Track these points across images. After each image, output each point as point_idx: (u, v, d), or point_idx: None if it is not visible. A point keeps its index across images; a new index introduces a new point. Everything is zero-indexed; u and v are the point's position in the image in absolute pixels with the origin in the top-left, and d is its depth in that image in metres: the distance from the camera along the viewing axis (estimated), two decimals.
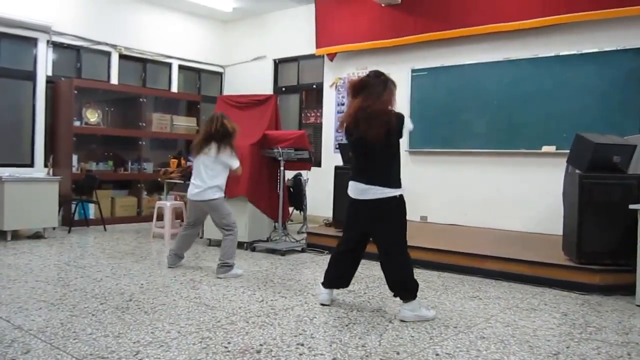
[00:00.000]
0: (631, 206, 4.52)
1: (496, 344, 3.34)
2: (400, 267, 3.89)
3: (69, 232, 7.59)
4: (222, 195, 5.21)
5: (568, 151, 5.36)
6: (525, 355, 3.15)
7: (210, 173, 5.11)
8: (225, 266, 5.07)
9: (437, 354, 3.14)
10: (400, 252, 3.90)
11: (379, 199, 3.80)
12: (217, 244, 6.73)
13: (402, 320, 3.78)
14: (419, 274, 5.31)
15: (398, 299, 3.93)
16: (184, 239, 5.45)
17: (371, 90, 3.81)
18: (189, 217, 5.43)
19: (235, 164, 5.21)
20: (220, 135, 5.11)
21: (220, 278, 4.99)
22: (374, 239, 4.00)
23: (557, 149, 6.82)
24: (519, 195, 7.19)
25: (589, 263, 4.84)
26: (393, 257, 3.90)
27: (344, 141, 7.48)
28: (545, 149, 6.95)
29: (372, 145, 3.79)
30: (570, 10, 6.63)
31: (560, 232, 5.41)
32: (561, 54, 6.92)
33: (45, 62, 8.43)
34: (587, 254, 4.85)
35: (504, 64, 7.37)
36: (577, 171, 5.03)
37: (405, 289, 3.86)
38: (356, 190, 3.90)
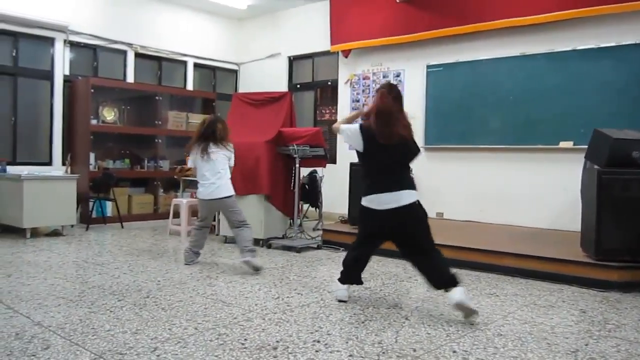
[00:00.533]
0: None
1: (514, 341, 3.31)
2: (442, 256, 3.94)
3: (87, 229, 7.67)
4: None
5: (586, 147, 5.31)
6: (543, 353, 3.12)
7: (222, 168, 5.29)
8: (252, 250, 5.19)
9: (454, 351, 3.12)
10: (434, 244, 3.98)
11: (411, 204, 3.88)
12: (233, 240, 6.76)
13: (458, 304, 3.65)
14: None
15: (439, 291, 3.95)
16: (199, 235, 5.50)
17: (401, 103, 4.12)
18: (201, 214, 5.51)
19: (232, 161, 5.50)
20: (211, 135, 5.31)
21: (247, 260, 5.09)
22: (406, 242, 4.01)
23: (574, 144, 6.75)
24: (536, 191, 7.13)
25: (607, 260, 4.78)
26: (433, 252, 3.94)
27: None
28: (562, 144, 6.89)
29: (408, 154, 4.03)
30: (588, 4, 6.54)
31: (579, 229, 5.36)
32: (578, 48, 6.84)
33: (62, 62, 8.52)
34: (606, 251, 4.79)
35: (520, 58, 7.30)
36: (596, 167, 4.97)
37: (452, 273, 3.82)
38: (388, 199, 3.89)
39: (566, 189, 6.64)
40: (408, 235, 3.96)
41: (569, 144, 6.82)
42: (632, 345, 3.31)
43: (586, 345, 3.29)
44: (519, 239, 6.16)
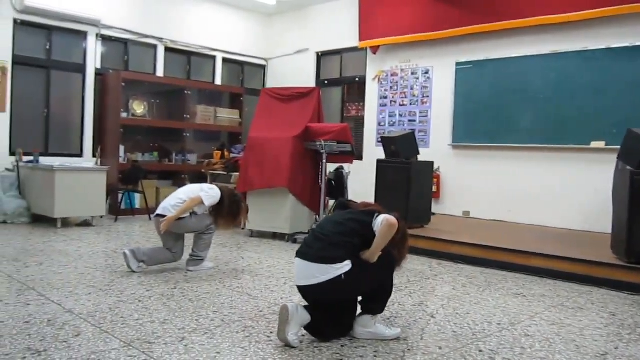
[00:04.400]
0: None
1: (541, 342, 3.28)
2: None
3: (116, 220, 7.79)
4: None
5: (618, 147, 5.22)
6: (571, 355, 3.08)
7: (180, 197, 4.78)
8: (197, 259, 4.90)
9: (480, 350, 3.10)
10: None
11: None
12: (258, 234, 6.82)
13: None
14: (462, 270, 5.29)
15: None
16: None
17: None
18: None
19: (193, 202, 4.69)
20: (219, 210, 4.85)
21: (191, 271, 4.82)
22: None
23: (606, 144, 6.63)
24: (566, 191, 7.02)
25: (638, 262, 4.69)
26: None
27: (387, 135, 7.44)
28: (594, 144, 6.77)
29: None
30: (623, 2, 6.42)
31: (609, 231, 5.27)
32: (612, 46, 6.71)
33: (94, 55, 8.66)
34: (637, 253, 4.70)
35: (552, 57, 7.19)
36: (628, 168, 4.88)
37: None
38: None
39: (597, 190, 6.53)
40: None
41: (600, 144, 6.70)
42: None
43: (616, 348, 3.24)
44: (547, 240, 6.08)
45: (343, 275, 3.00)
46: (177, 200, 4.74)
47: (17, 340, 2.93)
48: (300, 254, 3.18)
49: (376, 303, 3.26)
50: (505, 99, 7.59)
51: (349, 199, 7.87)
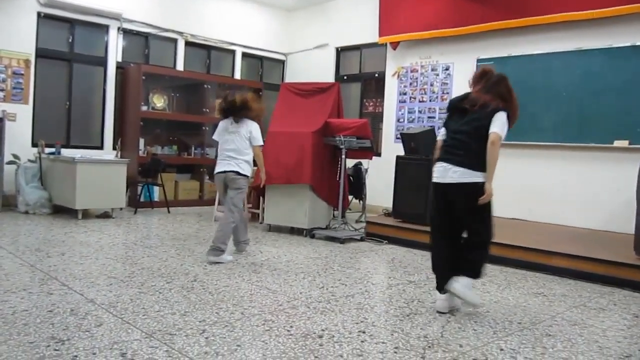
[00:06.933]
0: None
1: (563, 342, 3.24)
2: None
3: (135, 213, 7.86)
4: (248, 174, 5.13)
5: None
6: (594, 356, 3.04)
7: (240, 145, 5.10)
8: (217, 250, 4.91)
9: (501, 349, 3.07)
10: None
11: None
12: (276, 229, 6.84)
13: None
14: None
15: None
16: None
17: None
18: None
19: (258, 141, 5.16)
20: (238, 108, 5.19)
21: (212, 262, 4.86)
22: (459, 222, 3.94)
23: (630, 143, 6.53)
24: (588, 191, 6.93)
25: None
26: None
27: (406, 131, 7.40)
28: (617, 143, 6.66)
29: None
30: None
31: (632, 231, 5.17)
32: (637, 44, 6.59)
33: (115, 49, 8.71)
34: None
35: (576, 54, 7.08)
36: None
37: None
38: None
39: (620, 190, 6.44)
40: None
41: (624, 143, 6.60)
42: None
43: None
44: (568, 239, 6.01)
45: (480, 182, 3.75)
46: (239, 155, 5.04)
47: (41, 329, 2.97)
48: (443, 160, 3.81)
49: (475, 264, 3.76)
50: (527, 96, 7.45)
51: (366, 193, 7.93)
